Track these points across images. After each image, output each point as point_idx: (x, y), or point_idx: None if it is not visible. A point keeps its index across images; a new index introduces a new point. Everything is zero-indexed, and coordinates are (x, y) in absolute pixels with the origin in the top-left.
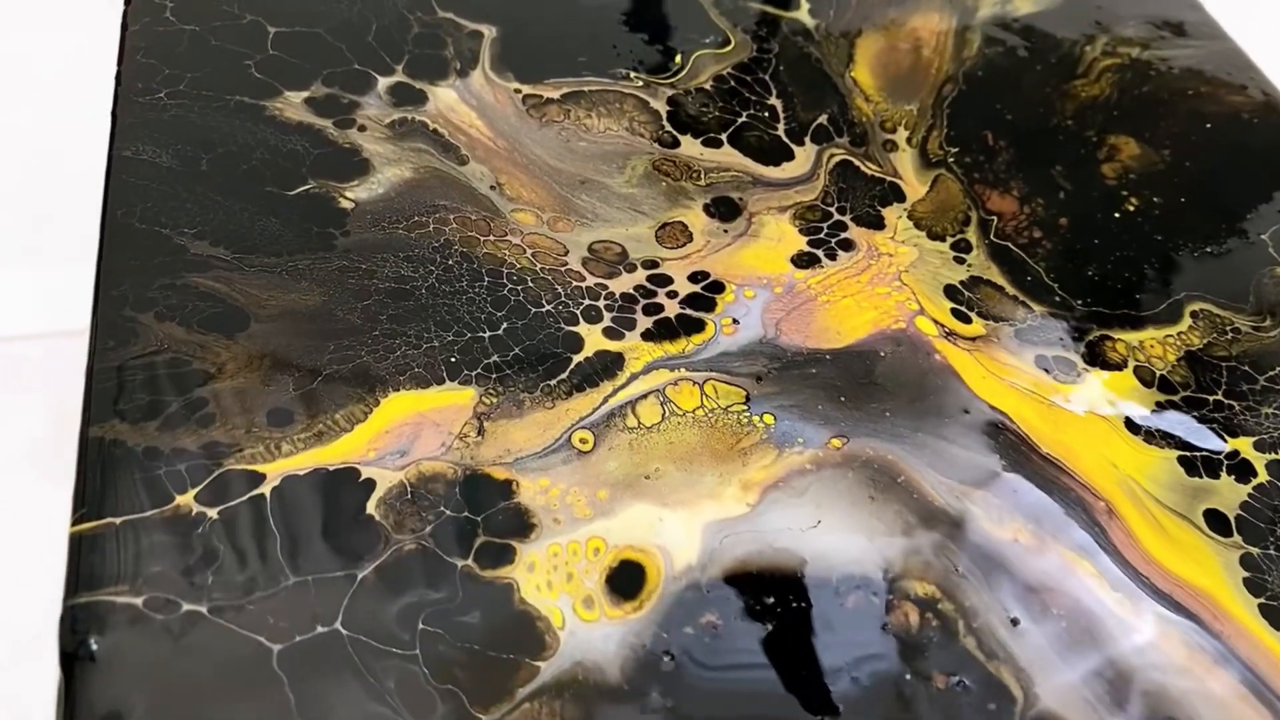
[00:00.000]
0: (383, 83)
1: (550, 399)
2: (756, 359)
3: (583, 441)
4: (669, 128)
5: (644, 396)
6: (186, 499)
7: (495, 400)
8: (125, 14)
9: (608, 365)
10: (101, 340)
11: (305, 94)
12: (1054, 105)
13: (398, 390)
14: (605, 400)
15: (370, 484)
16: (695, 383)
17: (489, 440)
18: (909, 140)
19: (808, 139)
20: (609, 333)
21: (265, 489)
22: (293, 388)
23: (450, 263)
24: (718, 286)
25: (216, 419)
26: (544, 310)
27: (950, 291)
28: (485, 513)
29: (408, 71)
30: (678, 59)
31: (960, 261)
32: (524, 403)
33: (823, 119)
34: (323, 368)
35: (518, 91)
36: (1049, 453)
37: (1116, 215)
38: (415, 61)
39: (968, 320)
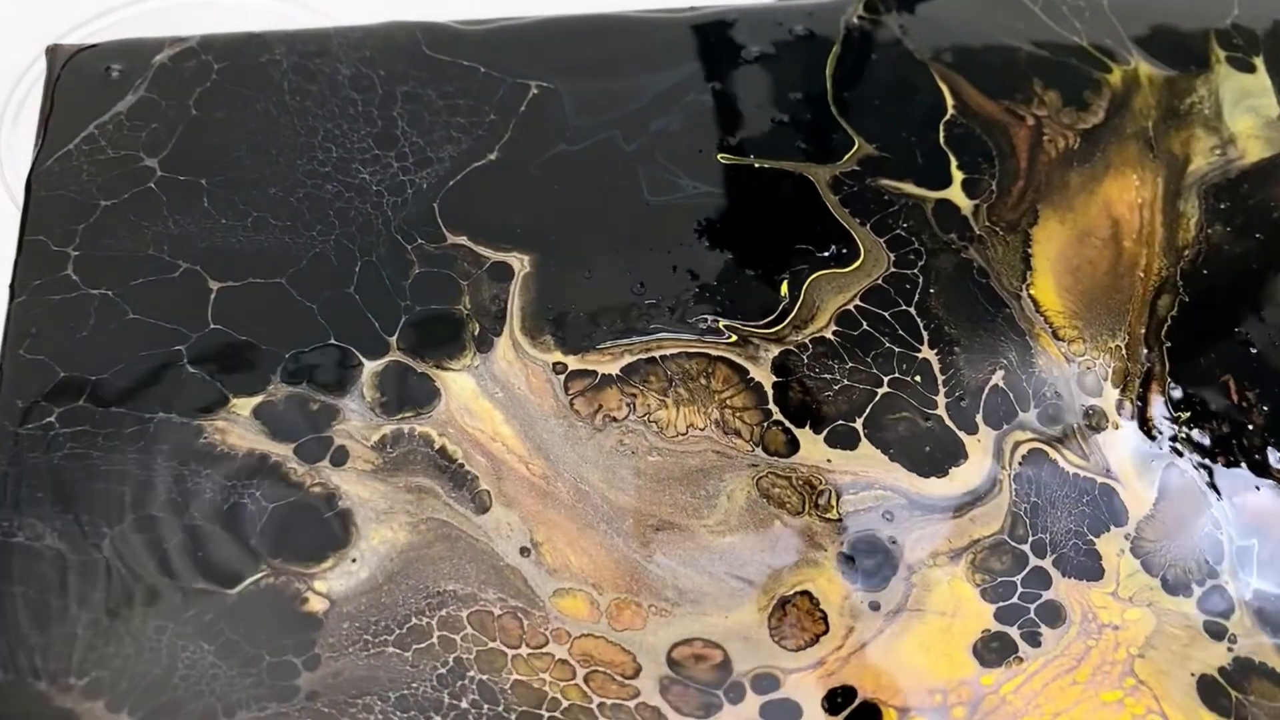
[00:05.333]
0: (369, 369)
1: None
2: None
3: None
4: (778, 415)
5: None
6: None
7: None
8: (13, 275)
9: None
10: None
11: (258, 399)
12: None
13: None
14: None
15: None
16: None
17: None
18: (1120, 406)
19: (980, 419)
20: None
21: None
22: None
23: (464, 705)
24: (870, 714)
25: None
26: None
27: (1208, 690)
28: None
29: (405, 345)
30: (784, 288)
31: (1218, 634)
32: None
33: (998, 378)
34: None
35: (559, 369)
36: None
37: None
38: (417, 326)
39: None
